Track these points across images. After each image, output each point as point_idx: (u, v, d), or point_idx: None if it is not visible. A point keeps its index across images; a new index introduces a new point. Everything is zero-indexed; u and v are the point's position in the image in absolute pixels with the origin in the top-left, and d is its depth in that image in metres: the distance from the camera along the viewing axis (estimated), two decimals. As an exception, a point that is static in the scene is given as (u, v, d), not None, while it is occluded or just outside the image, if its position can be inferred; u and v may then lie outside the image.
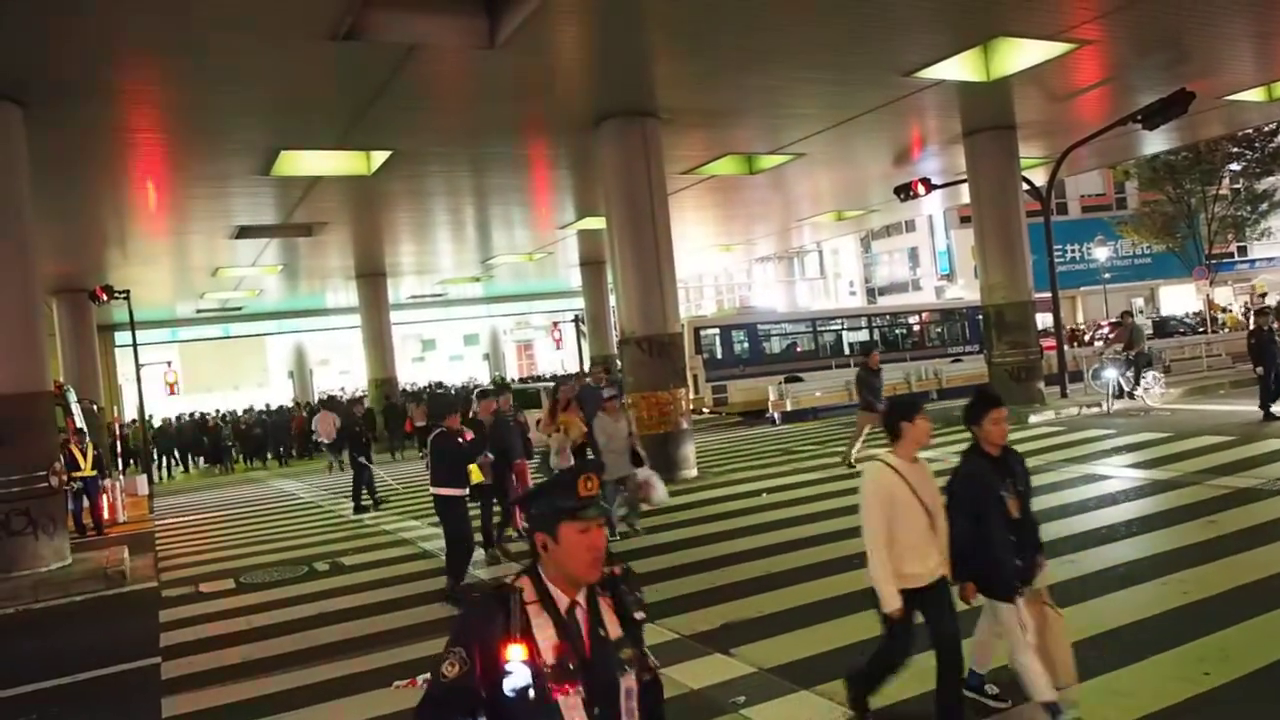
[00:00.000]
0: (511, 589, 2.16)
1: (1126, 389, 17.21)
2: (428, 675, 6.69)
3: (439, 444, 8.41)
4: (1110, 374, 17.25)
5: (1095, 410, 16.94)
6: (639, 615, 2.27)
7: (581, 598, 2.22)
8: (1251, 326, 16.39)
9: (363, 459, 14.94)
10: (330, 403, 31.25)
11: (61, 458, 12.77)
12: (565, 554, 2.17)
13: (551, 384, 24.88)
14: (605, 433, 9.69)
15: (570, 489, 2.20)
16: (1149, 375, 17.54)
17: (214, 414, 31.95)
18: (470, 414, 10.34)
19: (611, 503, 9.51)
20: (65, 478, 12.30)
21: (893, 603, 4.18)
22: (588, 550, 2.17)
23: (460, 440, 8.40)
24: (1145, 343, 18.48)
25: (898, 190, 18.60)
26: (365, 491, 14.92)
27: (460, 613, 2.04)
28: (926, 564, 4.22)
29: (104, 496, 14.92)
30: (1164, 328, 33.79)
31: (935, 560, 4.25)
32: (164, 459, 30.34)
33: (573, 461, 10.39)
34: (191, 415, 32.35)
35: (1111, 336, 20.02)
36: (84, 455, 14.13)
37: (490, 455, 9.16)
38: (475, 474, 8.49)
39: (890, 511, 4.16)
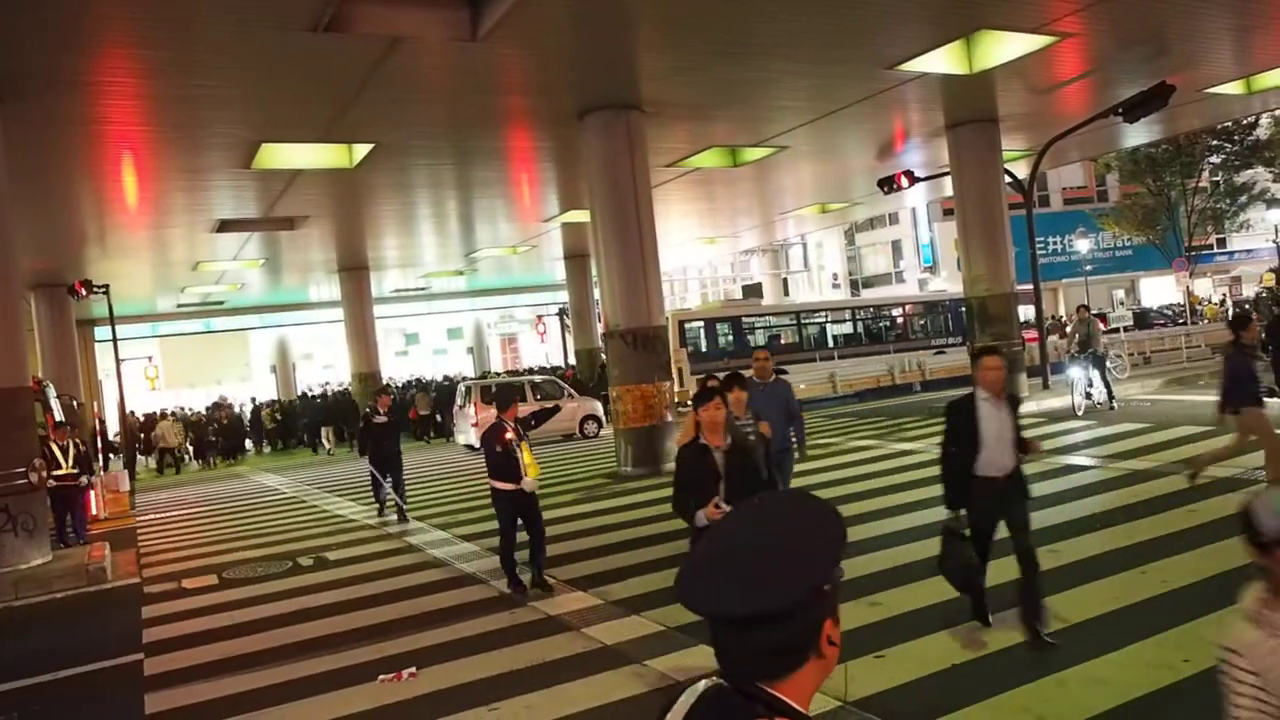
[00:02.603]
0: None
1: (1094, 394, 16.14)
2: (413, 670, 6.69)
3: (488, 436, 8.11)
4: (1076, 373, 16.33)
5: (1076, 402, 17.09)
6: None
7: None
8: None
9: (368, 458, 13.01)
10: (311, 398, 31.32)
11: (58, 451, 12.73)
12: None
13: (537, 378, 25.23)
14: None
15: None
16: (1108, 372, 16.69)
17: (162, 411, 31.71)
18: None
19: None
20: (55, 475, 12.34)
21: None
22: None
23: (505, 435, 7.90)
24: (1102, 340, 17.10)
25: (882, 183, 18.66)
26: (389, 495, 12.77)
27: None
28: None
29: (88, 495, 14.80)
30: (1144, 319, 34.08)
31: None
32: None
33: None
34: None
35: (1068, 332, 18.40)
36: (65, 452, 13.93)
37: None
38: (532, 469, 7.85)
39: None
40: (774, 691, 1.32)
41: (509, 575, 7.99)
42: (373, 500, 13.33)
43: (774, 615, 1.29)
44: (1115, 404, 16.01)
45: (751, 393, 7.51)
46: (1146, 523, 8.09)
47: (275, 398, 33.88)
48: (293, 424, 29.80)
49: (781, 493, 1.47)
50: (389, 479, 12.56)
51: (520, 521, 8.02)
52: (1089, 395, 16.12)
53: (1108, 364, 17.00)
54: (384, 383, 26.88)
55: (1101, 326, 18.48)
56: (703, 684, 1.39)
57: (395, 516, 12.40)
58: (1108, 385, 16.24)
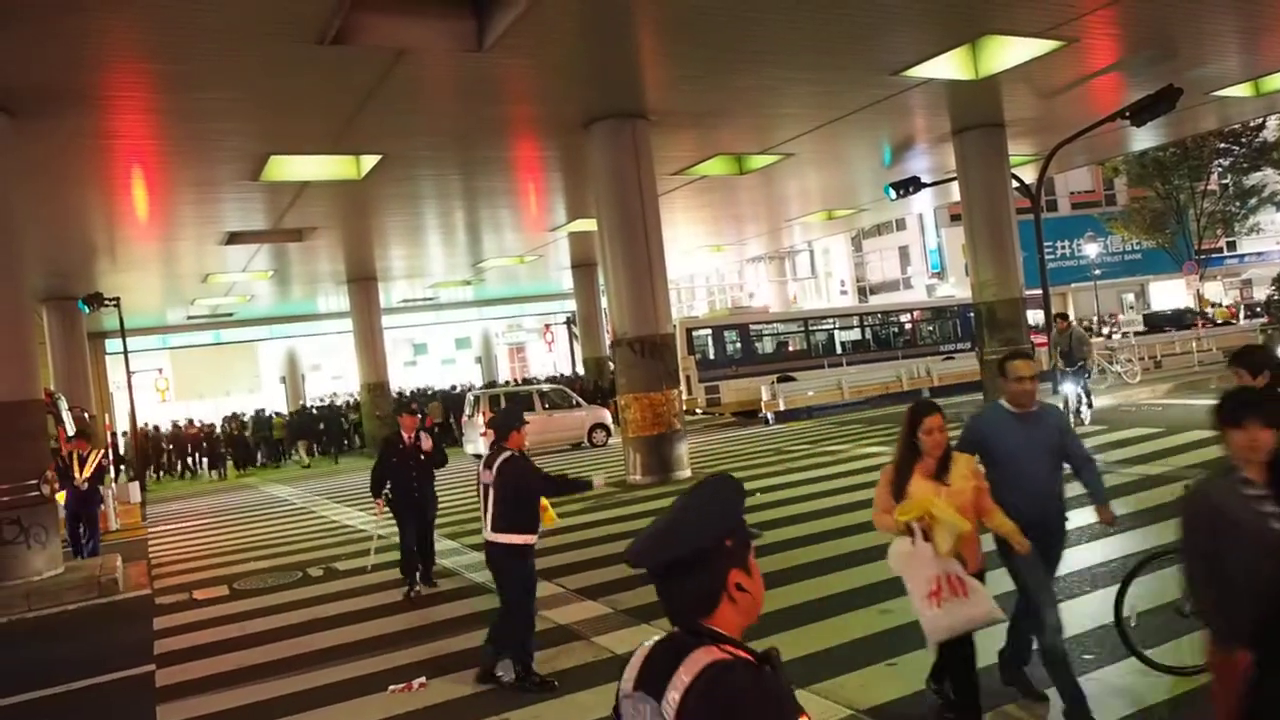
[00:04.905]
0: (769, 656, 1.66)
1: (1073, 408, 15.05)
2: (423, 680, 6.64)
3: (512, 468, 5.92)
4: (1069, 389, 15.25)
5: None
6: None
7: None
8: None
9: (390, 498, 8.93)
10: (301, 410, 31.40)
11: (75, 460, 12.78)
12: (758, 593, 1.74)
13: (544, 386, 25.31)
14: None
15: None
16: (1086, 383, 15.54)
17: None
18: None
19: None
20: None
21: None
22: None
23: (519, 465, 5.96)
24: (1092, 353, 15.75)
25: (896, 186, 18.61)
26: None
27: (784, 700, 1.62)
28: None
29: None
30: (1181, 320, 33.56)
31: None
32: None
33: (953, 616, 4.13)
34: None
35: (1049, 344, 16.51)
36: (82, 463, 13.89)
37: None
38: (549, 516, 6.10)
39: None
40: (710, 625, 1.69)
41: (525, 663, 5.95)
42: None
43: (683, 564, 1.68)
44: (1088, 417, 15.21)
45: (996, 428, 4.75)
46: (1157, 529, 8.03)
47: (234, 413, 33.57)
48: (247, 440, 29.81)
49: (707, 476, 1.76)
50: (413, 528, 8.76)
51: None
52: (1076, 412, 15.17)
53: (1089, 376, 15.96)
54: (399, 395, 26.78)
55: (1087, 335, 16.89)
56: (655, 638, 1.77)
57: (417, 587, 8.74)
58: (1086, 395, 15.51)
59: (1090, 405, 15.61)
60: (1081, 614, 5.94)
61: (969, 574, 4.12)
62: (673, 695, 1.61)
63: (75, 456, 12.71)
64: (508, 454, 5.93)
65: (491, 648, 6.01)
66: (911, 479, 4.29)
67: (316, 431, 29.47)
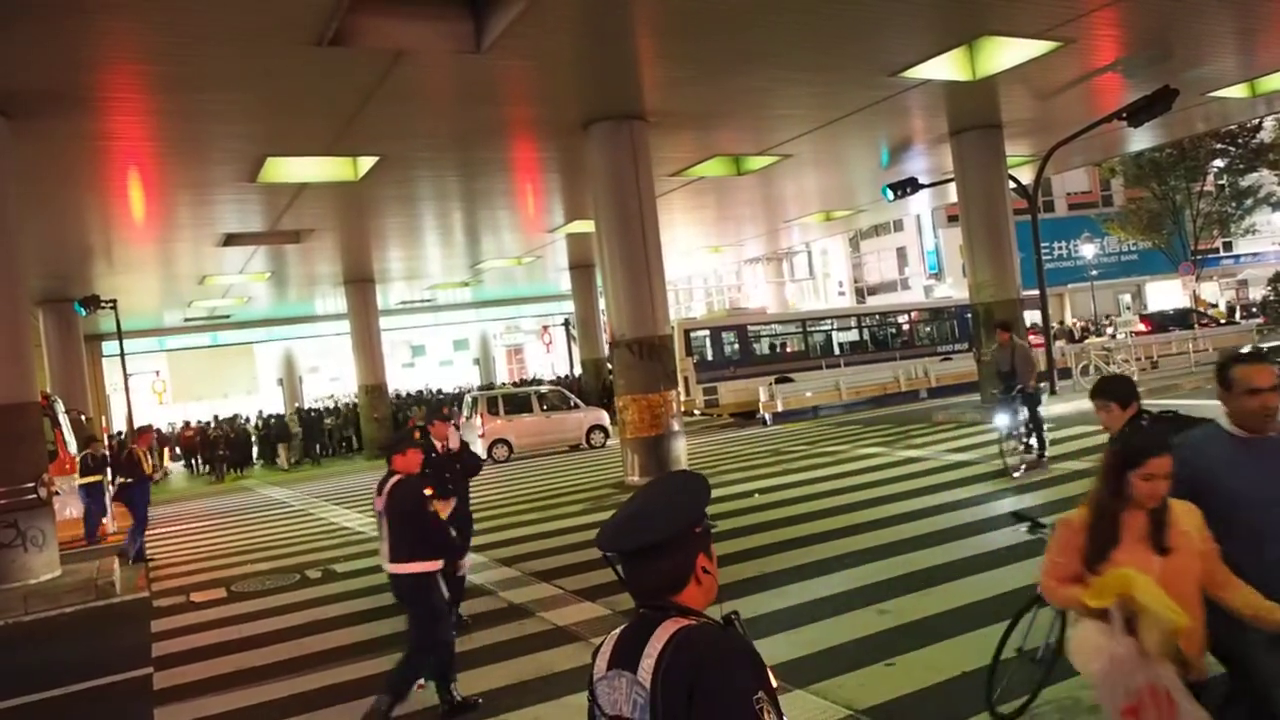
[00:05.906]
0: (730, 619, 1.83)
1: (1024, 440, 11.84)
2: (421, 682, 6.61)
3: (401, 492, 5.62)
4: (1002, 421, 11.93)
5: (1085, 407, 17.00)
6: None
7: None
8: None
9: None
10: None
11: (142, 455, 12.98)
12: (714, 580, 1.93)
13: (543, 388, 25.32)
14: None
15: None
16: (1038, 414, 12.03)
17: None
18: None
19: None
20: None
21: None
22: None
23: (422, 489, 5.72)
24: (1035, 371, 12.22)
25: (894, 187, 18.63)
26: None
27: (750, 652, 1.78)
28: None
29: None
30: (1185, 320, 33.60)
31: None
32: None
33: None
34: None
35: (989, 359, 13.58)
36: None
37: None
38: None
39: None
40: (677, 602, 1.83)
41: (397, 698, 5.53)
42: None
43: (656, 547, 1.81)
44: (1046, 456, 11.93)
45: (1217, 461, 3.13)
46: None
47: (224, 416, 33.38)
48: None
49: (673, 471, 1.83)
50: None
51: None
52: (1027, 446, 11.85)
53: (1040, 402, 12.44)
54: (396, 396, 26.67)
55: (1034, 352, 13.19)
56: (621, 626, 1.90)
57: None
58: (1039, 430, 11.92)
59: (1043, 443, 11.99)
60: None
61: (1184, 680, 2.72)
62: (647, 662, 1.76)
63: (140, 454, 12.95)
64: (397, 478, 5.63)
65: (388, 697, 5.42)
66: (1119, 543, 2.84)
67: (301, 434, 29.71)
